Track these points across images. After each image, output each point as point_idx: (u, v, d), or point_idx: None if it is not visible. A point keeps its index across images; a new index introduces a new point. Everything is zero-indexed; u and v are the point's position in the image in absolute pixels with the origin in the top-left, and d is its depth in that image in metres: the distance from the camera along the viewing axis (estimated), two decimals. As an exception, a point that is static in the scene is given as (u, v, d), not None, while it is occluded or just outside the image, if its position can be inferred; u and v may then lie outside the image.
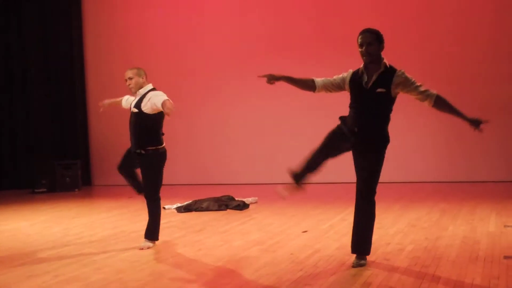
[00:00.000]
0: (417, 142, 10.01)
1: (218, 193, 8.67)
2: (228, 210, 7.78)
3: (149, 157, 5.55)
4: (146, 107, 5.47)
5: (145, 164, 5.61)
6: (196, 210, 7.81)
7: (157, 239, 5.75)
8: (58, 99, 11.91)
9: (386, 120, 4.55)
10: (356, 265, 4.60)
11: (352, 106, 4.58)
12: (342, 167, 10.17)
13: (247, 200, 8.22)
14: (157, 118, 5.56)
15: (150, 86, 5.63)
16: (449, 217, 6.58)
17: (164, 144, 5.64)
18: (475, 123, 4.48)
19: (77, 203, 9.47)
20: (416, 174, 9.97)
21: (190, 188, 10.28)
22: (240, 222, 6.87)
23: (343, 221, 6.64)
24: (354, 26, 5.38)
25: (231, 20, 10.99)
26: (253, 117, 10.86)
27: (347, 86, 4.60)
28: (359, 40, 4.42)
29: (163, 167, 5.66)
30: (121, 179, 11.32)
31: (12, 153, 11.67)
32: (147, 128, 5.54)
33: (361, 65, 4.52)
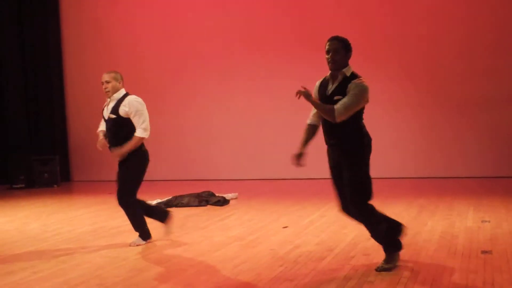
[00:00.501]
0: (394, 138, 10.07)
1: (198, 189, 8.65)
2: (209, 206, 7.77)
3: (132, 159, 5.53)
4: (123, 112, 5.48)
5: (127, 167, 5.57)
6: (177, 206, 7.79)
7: (149, 237, 5.71)
8: (35, 93, 11.74)
9: (356, 126, 4.42)
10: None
11: (320, 116, 4.49)
12: (321, 163, 10.27)
13: (228, 196, 8.22)
14: None
15: (123, 91, 5.60)
16: (427, 212, 6.65)
17: (144, 145, 5.62)
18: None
19: (55, 199, 9.38)
20: (393, 170, 10.04)
21: (171, 184, 10.25)
22: (220, 218, 6.87)
23: (322, 217, 6.67)
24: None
25: (215, 17, 10.94)
26: (235, 113, 10.85)
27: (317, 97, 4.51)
28: (326, 47, 4.38)
29: (145, 168, 5.64)
30: (100, 175, 11.27)
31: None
32: (126, 131, 5.51)
33: (328, 74, 4.47)
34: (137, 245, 5.59)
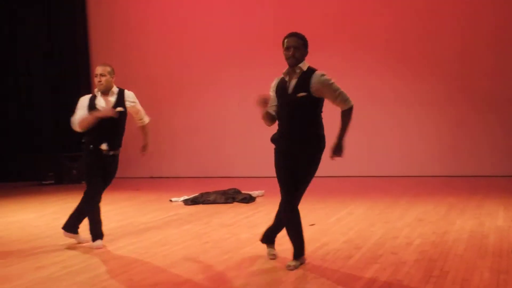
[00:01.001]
0: (421, 135, 9.96)
1: (224, 186, 8.68)
2: (235, 203, 7.78)
3: (117, 157, 5.70)
4: (129, 105, 5.66)
5: (115, 164, 5.70)
6: (203, 203, 7.82)
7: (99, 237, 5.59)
8: (63, 92, 11.90)
9: (316, 123, 4.51)
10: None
11: (278, 114, 4.58)
12: (349, 161, 10.21)
13: (254, 193, 8.22)
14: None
15: (115, 86, 5.72)
16: (456, 211, 6.56)
17: None
18: (336, 151, 4.51)
19: (84, 195, 9.48)
20: (421, 168, 9.94)
21: (196, 181, 10.29)
22: (247, 215, 6.88)
23: (349, 214, 6.63)
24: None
25: (229, 11, 10.98)
26: (256, 110, 10.83)
27: (275, 96, 4.58)
28: (286, 44, 4.44)
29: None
30: (126, 172, 11.34)
31: (20, 146, 11.69)
32: (123, 126, 5.69)
33: (285, 70, 4.52)
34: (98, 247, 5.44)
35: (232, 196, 7.95)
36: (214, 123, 11.15)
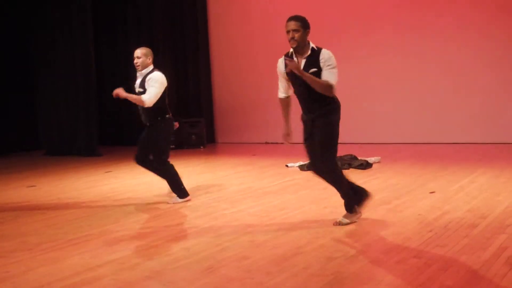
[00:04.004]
0: (458, 101, 9.42)
1: (340, 152, 8.59)
2: (351, 169, 7.73)
3: (157, 126, 6.00)
4: (147, 85, 5.91)
5: (153, 133, 6.03)
6: (319, 168, 7.83)
7: (186, 195, 6.13)
8: (184, 62, 12.34)
9: (327, 96, 4.68)
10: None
11: (296, 93, 4.83)
12: (470, 127, 9.78)
13: (370, 159, 8.11)
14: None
15: (151, 67, 6.02)
16: None
17: (170, 114, 6.11)
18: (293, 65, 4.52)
19: (203, 160, 9.87)
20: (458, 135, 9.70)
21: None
22: (364, 181, 6.79)
23: (472, 183, 6.37)
24: None
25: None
26: (378, 76, 10.61)
27: (285, 76, 4.81)
28: (286, 28, 4.66)
29: (170, 134, 6.17)
30: (243, 137, 11.70)
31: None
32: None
33: (290, 50, 4.74)
34: (174, 203, 6.01)
35: (349, 162, 7.90)
36: (341, 91, 11.04)
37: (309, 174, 7.50)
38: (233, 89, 12.05)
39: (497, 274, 3.44)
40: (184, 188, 6.18)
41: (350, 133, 10.86)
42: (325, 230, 4.73)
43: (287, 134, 5.02)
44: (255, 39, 11.57)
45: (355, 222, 4.87)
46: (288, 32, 4.65)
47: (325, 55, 4.63)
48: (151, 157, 6.13)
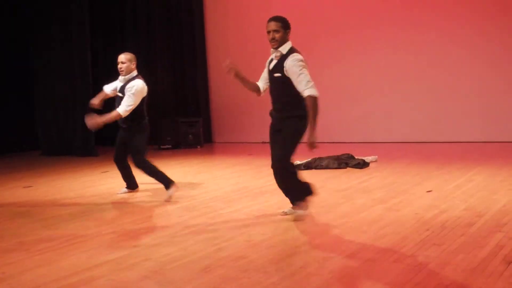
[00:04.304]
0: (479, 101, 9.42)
1: (337, 151, 8.64)
2: (348, 169, 7.74)
3: (134, 130, 6.26)
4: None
5: (131, 136, 6.29)
6: (316, 168, 7.85)
7: (173, 182, 6.28)
8: (180, 61, 12.33)
9: (296, 104, 4.75)
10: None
11: (270, 91, 4.98)
12: (467, 126, 9.79)
13: (367, 158, 8.12)
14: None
15: (135, 73, 6.27)
16: None
17: (146, 119, 6.40)
18: (310, 144, 4.79)
19: (200, 159, 9.86)
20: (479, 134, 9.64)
21: (309, 146, 10.32)
22: (361, 181, 6.83)
23: (469, 182, 6.39)
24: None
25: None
26: (375, 74, 10.62)
27: (266, 73, 5.00)
28: (267, 28, 4.76)
29: (147, 136, 6.44)
30: (240, 137, 11.72)
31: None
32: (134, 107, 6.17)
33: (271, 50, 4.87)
34: (168, 197, 6.17)
35: (345, 161, 7.91)
36: (327, 88, 11.05)
37: (306, 174, 7.52)
38: (230, 89, 12.02)
39: (494, 272, 3.45)
40: (168, 178, 6.31)
41: (346, 132, 10.89)
42: (321, 229, 4.73)
43: (235, 67, 4.94)
44: (251, 39, 11.56)
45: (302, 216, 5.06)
46: (268, 32, 4.75)
47: (288, 61, 4.68)
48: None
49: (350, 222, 4.90)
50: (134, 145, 6.27)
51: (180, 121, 11.52)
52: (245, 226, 4.95)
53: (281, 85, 4.78)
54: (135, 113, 6.20)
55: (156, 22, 12.31)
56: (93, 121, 5.96)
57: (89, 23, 11.06)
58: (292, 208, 5.18)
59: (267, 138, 5.17)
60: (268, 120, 5.15)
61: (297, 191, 5.10)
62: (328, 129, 11.04)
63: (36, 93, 11.65)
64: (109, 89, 6.53)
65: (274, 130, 4.99)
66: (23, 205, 6.50)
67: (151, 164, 6.30)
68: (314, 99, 4.67)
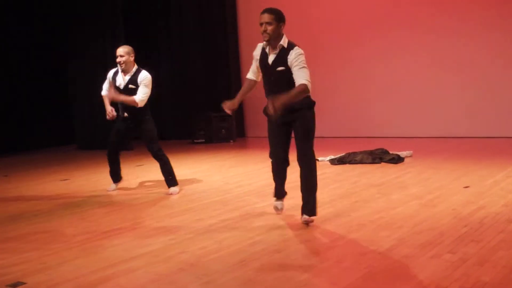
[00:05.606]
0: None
1: (371, 146, 8.57)
2: (382, 164, 7.66)
3: (147, 121, 6.40)
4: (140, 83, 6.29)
5: (146, 127, 6.41)
6: (350, 162, 7.80)
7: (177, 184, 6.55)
8: (213, 55, 12.36)
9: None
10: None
11: (264, 83, 4.85)
12: (504, 121, 9.59)
13: (402, 153, 8.02)
14: None
15: (135, 65, 6.36)
16: None
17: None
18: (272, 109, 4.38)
19: (233, 154, 9.89)
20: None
21: (344, 141, 10.27)
22: (396, 176, 6.75)
23: (508, 177, 6.25)
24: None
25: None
26: (411, 68, 10.47)
27: (258, 65, 4.84)
28: (260, 20, 4.63)
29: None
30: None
31: (173, 106, 12.37)
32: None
33: (263, 43, 4.75)
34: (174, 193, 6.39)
35: (380, 156, 7.83)
36: (361, 82, 10.98)
37: (340, 168, 7.51)
38: (261, 84, 12.03)
39: (535, 270, 3.38)
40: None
41: (380, 126, 10.78)
42: (357, 224, 4.70)
43: (233, 104, 4.97)
44: (285, 31, 11.50)
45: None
46: (261, 24, 4.64)
47: (292, 55, 4.58)
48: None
49: (385, 217, 4.86)
50: (154, 135, 6.45)
51: (213, 115, 11.56)
52: (279, 220, 4.96)
53: (285, 79, 4.62)
54: (146, 107, 6.37)
55: (188, 14, 12.35)
56: (114, 94, 6.22)
57: (122, 16, 11.19)
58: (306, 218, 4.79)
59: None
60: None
61: (315, 197, 4.81)
62: (363, 123, 10.96)
63: (72, 91, 11.86)
64: (107, 91, 6.62)
65: (279, 124, 4.82)
66: (61, 198, 6.63)
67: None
68: (306, 88, 4.43)
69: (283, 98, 4.32)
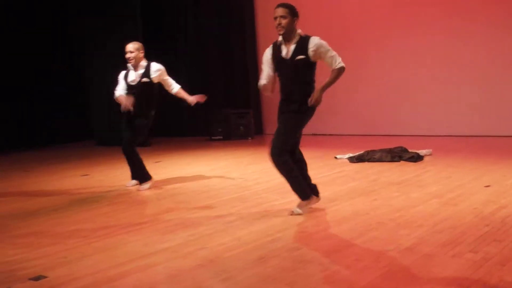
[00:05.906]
0: None
1: (390, 144, 8.51)
2: (402, 162, 7.61)
3: (148, 116, 6.53)
4: (155, 77, 6.42)
5: (144, 121, 6.53)
6: (369, 160, 7.75)
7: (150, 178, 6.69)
8: (230, 53, 12.36)
9: (309, 85, 4.84)
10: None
11: (280, 79, 4.95)
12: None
13: (421, 152, 7.96)
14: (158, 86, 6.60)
15: (145, 60, 6.46)
16: None
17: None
18: (314, 100, 4.76)
19: (251, 151, 9.89)
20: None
21: (363, 139, 10.21)
22: (415, 174, 6.70)
23: (530, 176, 6.18)
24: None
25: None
26: (430, 68, 10.38)
27: (271, 63, 4.93)
28: (274, 14, 4.76)
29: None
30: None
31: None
32: (153, 93, 6.52)
33: (279, 39, 4.87)
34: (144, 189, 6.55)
35: (399, 155, 7.77)
36: (380, 81, 10.91)
37: (358, 166, 7.47)
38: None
39: (559, 270, 3.32)
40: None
41: (400, 125, 10.70)
42: (376, 222, 4.66)
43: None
44: (303, 27, 11.47)
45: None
46: (275, 18, 4.76)
47: (314, 42, 4.74)
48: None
49: (405, 215, 4.82)
50: (145, 132, 6.63)
51: (231, 112, 11.57)
52: (298, 218, 4.94)
53: (300, 69, 4.79)
54: (153, 100, 6.50)
55: (205, 10, 12.38)
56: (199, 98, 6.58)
57: (141, 16, 11.24)
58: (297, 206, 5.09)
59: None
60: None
61: (295, 187, 5.05)
62: (381, 121, 10.90)
63: (91, 90, 11.96)
64: (123, 91, 6.60)
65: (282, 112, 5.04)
66: (81, 193, 6.68)
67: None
68: (343, 70, 4.79)
69: (321, 91, 4.69)
